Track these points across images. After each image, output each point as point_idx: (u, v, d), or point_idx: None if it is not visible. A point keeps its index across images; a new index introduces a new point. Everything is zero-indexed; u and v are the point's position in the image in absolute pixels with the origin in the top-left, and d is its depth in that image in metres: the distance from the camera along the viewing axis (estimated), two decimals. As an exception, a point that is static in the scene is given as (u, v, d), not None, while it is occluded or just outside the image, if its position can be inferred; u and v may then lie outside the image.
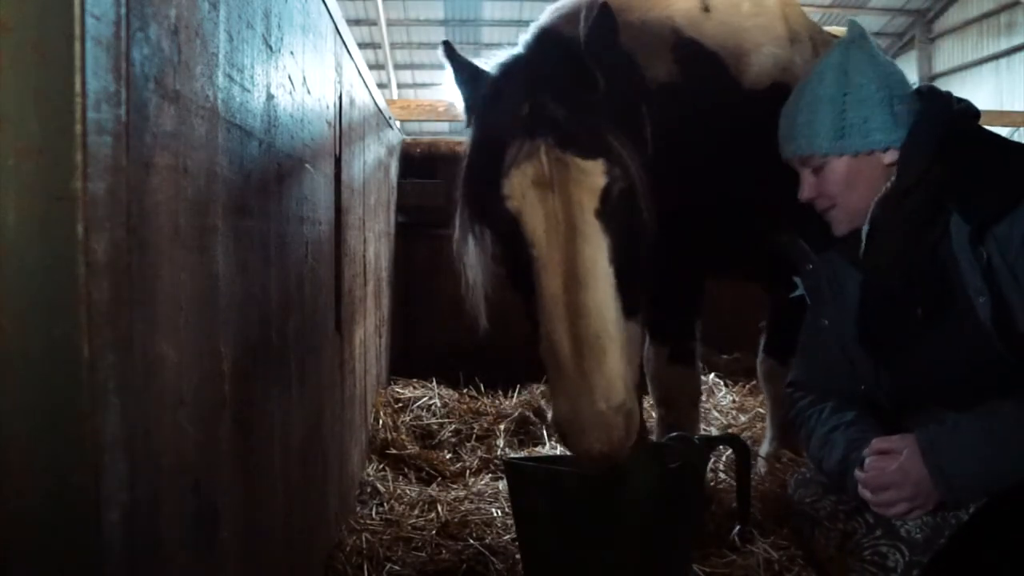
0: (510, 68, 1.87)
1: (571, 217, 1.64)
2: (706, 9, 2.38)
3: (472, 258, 1.91)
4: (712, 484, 2.83)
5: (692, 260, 2.51)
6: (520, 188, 1.68)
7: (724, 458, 3.04)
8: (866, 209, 1.72)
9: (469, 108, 1.95)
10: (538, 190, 1.66)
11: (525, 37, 2.07)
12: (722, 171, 2.20)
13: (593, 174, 1.66)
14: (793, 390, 1.97)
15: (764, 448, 3.10)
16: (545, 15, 2.20)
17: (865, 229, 1.72)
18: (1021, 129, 11.99)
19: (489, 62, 1.95)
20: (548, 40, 1.95)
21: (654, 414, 3.07)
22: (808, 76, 1.81)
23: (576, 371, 1.61)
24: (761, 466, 2.99)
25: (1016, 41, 14.74)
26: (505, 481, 3.04)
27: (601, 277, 1.65)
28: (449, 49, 1.94)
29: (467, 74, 1.94)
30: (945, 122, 1.70)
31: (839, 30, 3.71)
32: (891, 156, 1.70)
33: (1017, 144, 1.79)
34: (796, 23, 2.58)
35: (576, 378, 1.61)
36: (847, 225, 1.75)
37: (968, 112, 1.76)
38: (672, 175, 1.95)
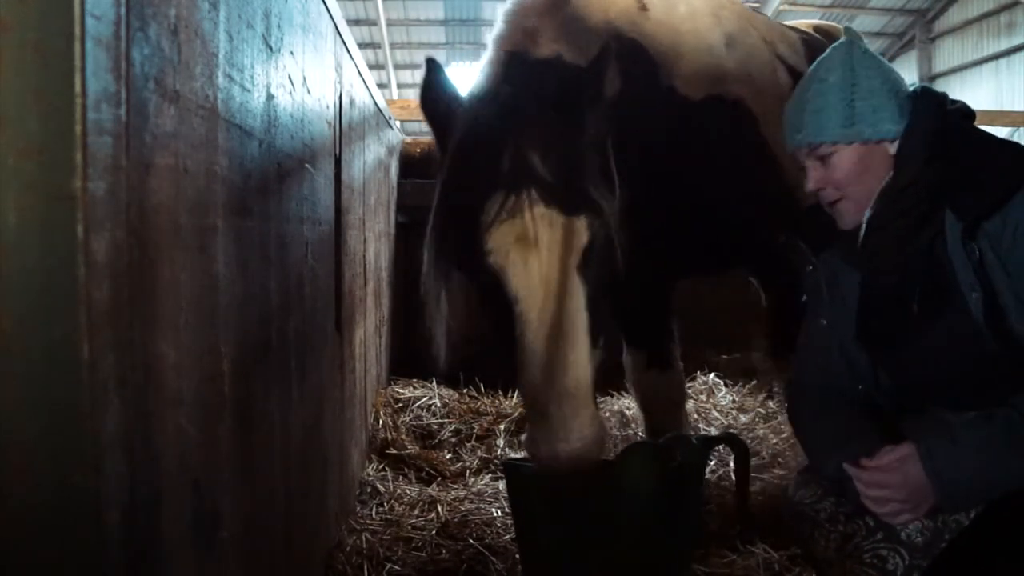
0: (486, 107, 1.77)
1: (556, 275, 1.62)
2: (643, 8, 2.32)
3: (440, 301, 1.87)
4: (713, 485, 2.83)
5: (659, 265, 2.49)
6: (504, 244, 1.63)
7: (724, 458, 3.04)
8: (871, 199, 1.71)
9: (442, 146, 1.86)
10: (522, 247, 1.62)
11: (490, 56, 1.99)
12: (668, 175, 2.18)
13: (577, 231, 1.63)
14: (791, 390, 1.97)
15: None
16: (502, 24, 2.08)
17: (867, 215, 1.72)
18: (1021, 129, 12.00)
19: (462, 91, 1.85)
20: (522, 70, 1.87)
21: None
22: (813, 70, 1.80)
23: (556, 417, 1.61)
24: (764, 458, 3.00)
25: (1016, 41, 14.74)
26: (504, 482, 3.05)
27: (581, 330, 1.64)
28: (432, 69, 1.82)
29: (441, 106, 1.84)
30: (940, 121, 1.70)
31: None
32: (895, 148, 1.70)
33: (1008, 142, 1.79)
34: (731, 25, 2.56)
35: (555, 423, 1.61)
36: (855, 217, 1.73)
37: (962, 112, 1.77)
38: (623, 182, 1.92)
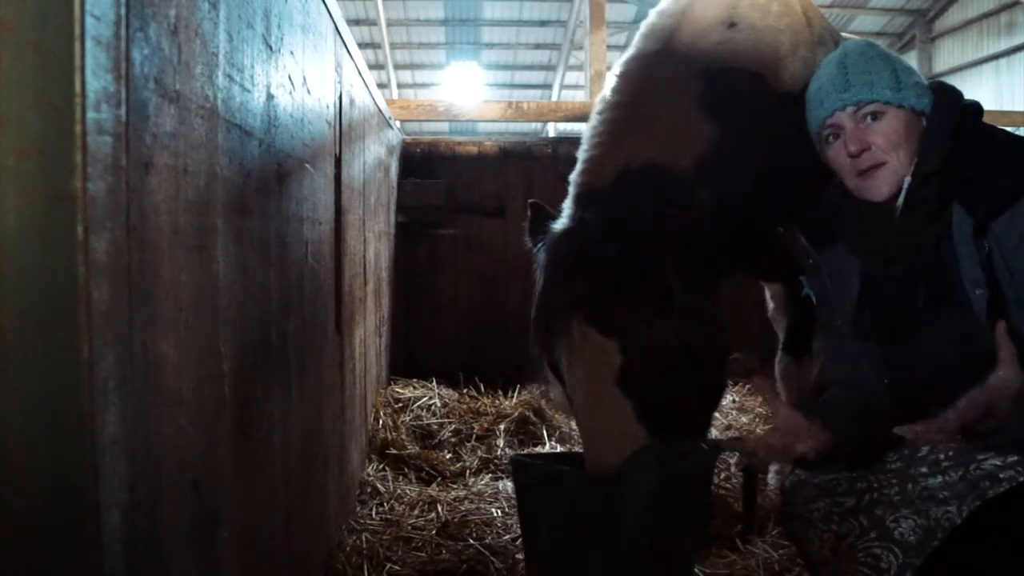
0: (559, 241, 2.06)
1: (591, 386, 1.90)
2: (732, 25, 2.33)
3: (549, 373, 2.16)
4: (713, 486, 2.83)
5: (721, 267, 2.50)
6: (561, 354, 1.98)
7: (726, 460, 3.04)
8: (905, 175, 1.70)
9: (536, 250, 2.18)
10: (571, 358, 1.94)
11: (571, 188, 2.15)
12: (763, 181, 2.19)
13: (609, 351, 1.88)
14: (816, 394, 1.93)
15: None
16: (584, 149, 2.22)
17: (907, 182, 1.69)
18: (1021, 129, 11.99)
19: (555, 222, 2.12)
20: (589, 207, 2.07)
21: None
22: (843, 49, 1.84)
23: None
24: (772, 466, 3.00)
25: (1016, 41, 14.75)
26: (506, 480, 3.04)
27: (616, 434, 1.88)
28: (535, 212, 2.20)
29: (539, 237, 2.16)
30: (958, 117, 1.70)
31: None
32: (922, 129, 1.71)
33: (1021, 139, 1.79)
34: (819, 25, 2.57)
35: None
36: (889, 187, 1.72)
37: (974, 108, 1.77)
38: (722, 206, 2.08)
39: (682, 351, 1.90)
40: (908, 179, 1.69)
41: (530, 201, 2.23)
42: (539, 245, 2.13)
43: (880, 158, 1.71)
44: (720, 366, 2.10)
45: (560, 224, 2.09)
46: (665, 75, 2.21)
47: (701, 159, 2.11)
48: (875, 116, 1.72)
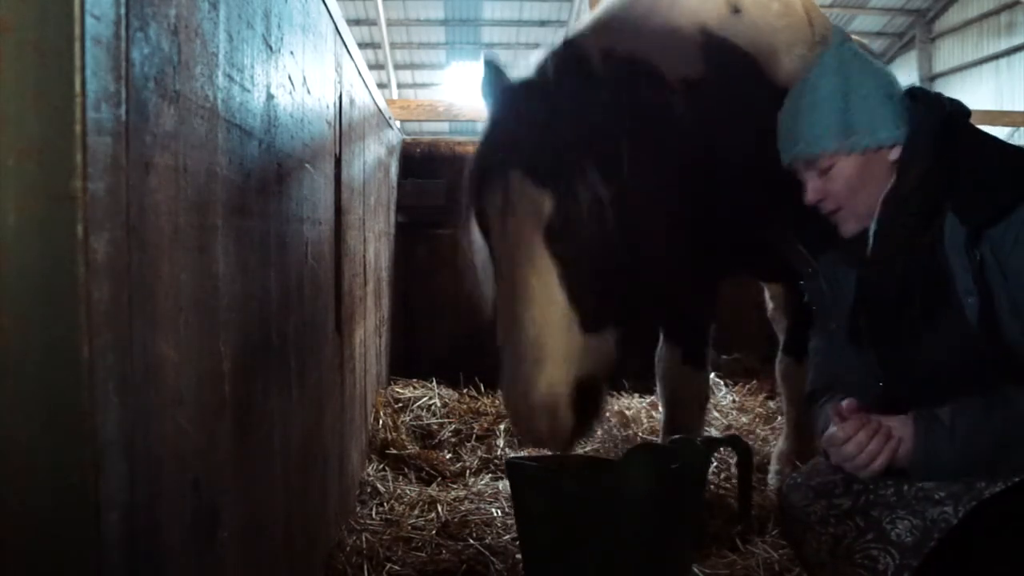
0: (515, 94, 1.96)
1: (520, 242, 1.79)
2: (736, 10, 2.40)
3: (476, 252, 2.06)
4: (713, 486, 2.83)
5: (710, 262, 2.50)
6: (491, 210, 1.86)
7: (726, 460, 3.05)
8: (873, 208, 1.69)
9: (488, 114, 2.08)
10: (501, 214, 1.82)
11: (546, 55, 2.09)
12: (751, 170, 2.20)
13: (541, 203, 1.77)
14: (813, 401, 1.92)
15: (779, 446, 3.10)
16: (588, 23, 2.25)
17: (873, 228, 1.71)
18: (1021, 129, 12.00)
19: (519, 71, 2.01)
20: (547, 70, 1.99)
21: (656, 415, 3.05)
22: (803, 80, 1.78)
23: (515, 371, 1.78)
24: (773, 463, 3.00)
25: (1016, 41, 14.74)
26: (505, 481, 3.04)
27: (543, 298, 1.77)
28: (489, 69, 2.05)
29: (495, 88, 2.04)
30: (941, 123, 1.67)
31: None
32: (895, 153, 1.67)
33: (1009, 146, 1.78)
34: (820, 26, 2.58)
35: (517, 378, 1.78)
36: (856, 225, 1.72)
37: (960, 112, 1.74)
38: (698, 177, 2.05)
39: (619, 232, 1.81)
40: (874, 224, 1.69)
41: (484, 55, 2.10)
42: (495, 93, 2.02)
43: (835, 206, 1.72)
44: (659, 271, 1.99)
45: (529, 75, 1.99)
46: (672, 15, 2.27)
47: (689, 84, 2.12)
48: (825, 169, 1.70)
